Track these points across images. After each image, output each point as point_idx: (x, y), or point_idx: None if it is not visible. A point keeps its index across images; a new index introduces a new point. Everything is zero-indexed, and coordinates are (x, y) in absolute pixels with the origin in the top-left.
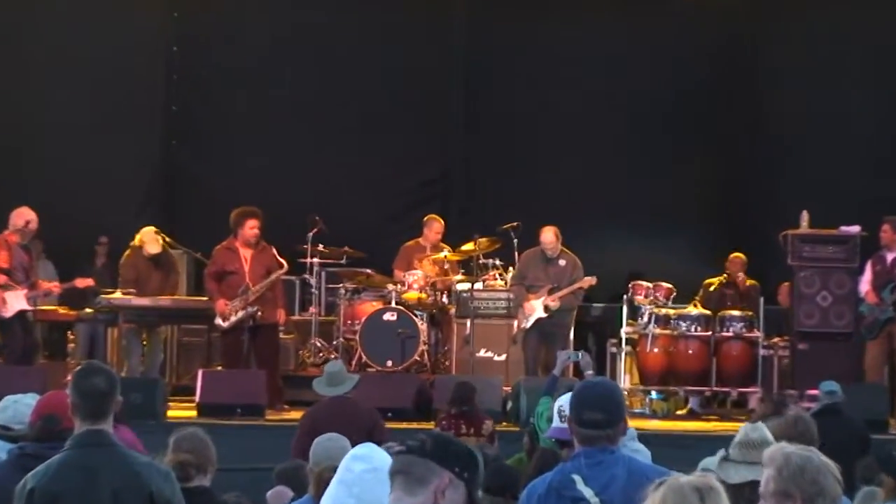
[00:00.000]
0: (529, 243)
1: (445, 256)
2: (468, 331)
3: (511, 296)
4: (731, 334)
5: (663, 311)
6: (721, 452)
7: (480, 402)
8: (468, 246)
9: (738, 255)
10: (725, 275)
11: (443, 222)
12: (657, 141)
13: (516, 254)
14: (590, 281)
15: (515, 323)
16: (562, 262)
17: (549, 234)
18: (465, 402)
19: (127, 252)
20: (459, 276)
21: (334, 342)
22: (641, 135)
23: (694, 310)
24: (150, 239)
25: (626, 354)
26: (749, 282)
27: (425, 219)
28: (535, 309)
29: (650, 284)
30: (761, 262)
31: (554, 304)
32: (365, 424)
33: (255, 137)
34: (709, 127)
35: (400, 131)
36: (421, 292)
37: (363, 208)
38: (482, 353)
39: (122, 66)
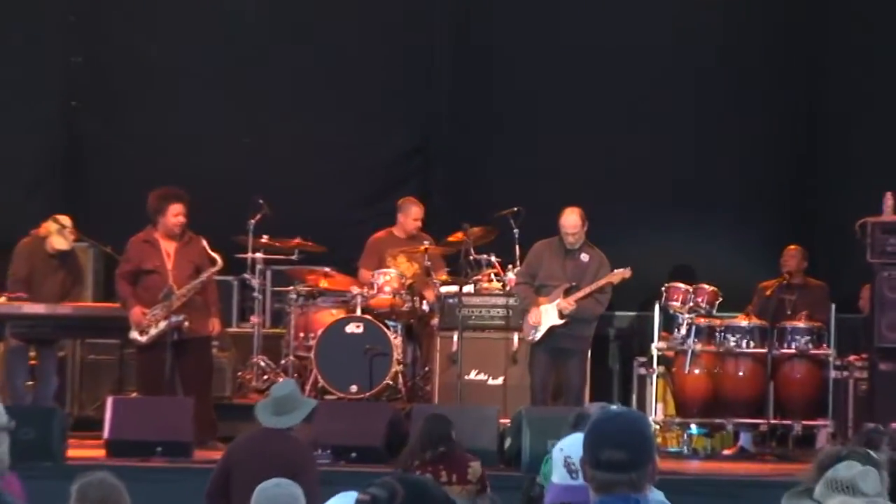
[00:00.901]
0: (534, 234)
1: (426, 250)
2: (455, 347)
3: (512, 301)
4: (793, 351)
5: (706, 321)
6: (798, 488)
7: (471, 440)
8: (455, 237)
9: (795, 247)
10: (784, 275)
11: (422, 207)
12: (695, 109)
13: (517, 247)
14: (622, 274)
15: (516, 336)
16: (584, 258)
17: (573, 217)
18: (440, 441)
19: (25, 240)
20: (444, 277)
21: (283, 361)
22: (674, 102)
23: (746, 320)
24: (57, 231)
25: (658, 377)
26: (813, 281)
27: (400, 202)
28: (547, 315)
29: (689, 287)
30: (832, 260)
31: (569, 307)
32: (285, 468)
33: (183, 97)
34: (763, 92)
35: (369, 90)
36: (395, 297)
37: (320, 188)
38: (473, 375)
39: (4, 5)
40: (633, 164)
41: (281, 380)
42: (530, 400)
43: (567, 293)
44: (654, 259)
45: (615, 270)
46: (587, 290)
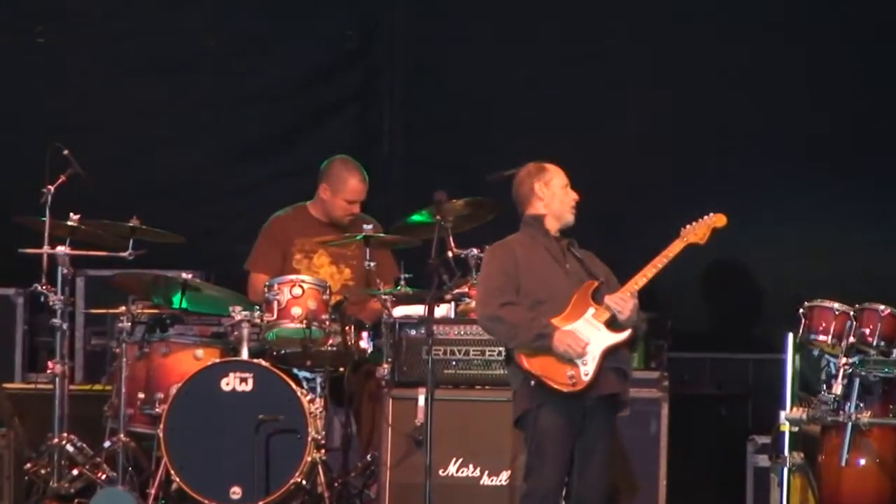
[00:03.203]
0: None
1: (368, 241)
2: (421, 417)
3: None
4: None
5: (881, 370)
6: None
7: None
8: (421, 216)
9: None
10: None
11: (365, 178)
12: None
13: None
14: (712, 222)
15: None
16: (575, 250)
17: (557, 171)
18: None
19: None
20: (401, 286)
21: (107, 444)
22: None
23: None
24: None
25: (793, 472)
26: None
27: (328, 166)
28: (591, 333)
29: (847, 309)
30: None
31: (629, 303)
32: None
33: None
34: None
35: None
36: (311, 325)
37: (177, 128)
38: (454, 469)
39: None
40: (720, 95)
41: (102, 478)
42: None
43: (597, 294)
44: (770, 260)
45: (692, 225)
46: (652, 267)
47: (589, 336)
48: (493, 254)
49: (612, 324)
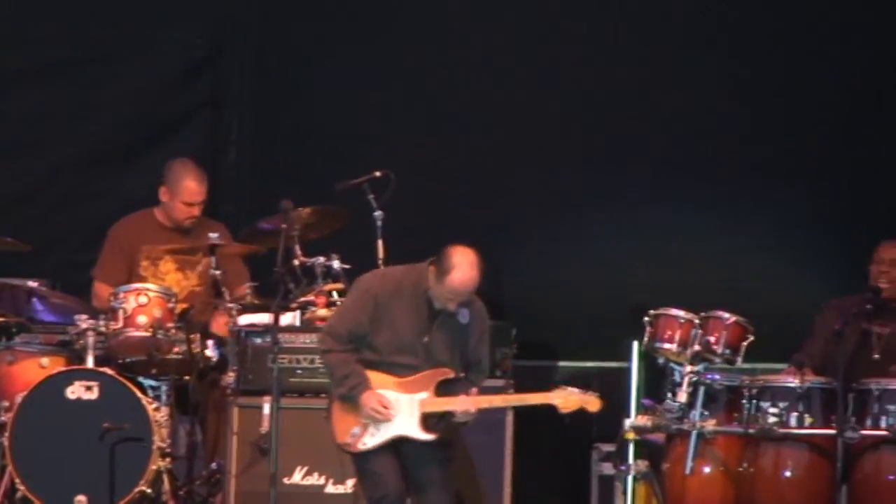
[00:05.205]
0: (412, 218)
1: (213, 248)
2: (266, 425)
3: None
4: (883, 433)
5: (726, 377)
6: None
7: None
8: (268, 225)
9: None
10: (874, 286)
11: (205, 177)
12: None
13: (380, 243)
14: (579, 402)
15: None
16: (463, 317)
17: (470, 274)
18: None
19: None
20: (247, 297)
21: None
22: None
23: (797, 376)
24: None
25: (637, 480)
26: None
27: (168, 168)
28: (400, 412)
29: (693, 317)
30: None
31: (470, 411)
32: None
33: None
34: None
35: None
36: (157, 332)
37: (26, 140)
38: (299, 477)
39: None
40: (578, 107)
41: None
42: None
43: (443, 386)
44: (620, 269)
45: (569, 391)
46: (503, 399)
47: (399, 414)
48: (364, 290)
49: (428, 421)
